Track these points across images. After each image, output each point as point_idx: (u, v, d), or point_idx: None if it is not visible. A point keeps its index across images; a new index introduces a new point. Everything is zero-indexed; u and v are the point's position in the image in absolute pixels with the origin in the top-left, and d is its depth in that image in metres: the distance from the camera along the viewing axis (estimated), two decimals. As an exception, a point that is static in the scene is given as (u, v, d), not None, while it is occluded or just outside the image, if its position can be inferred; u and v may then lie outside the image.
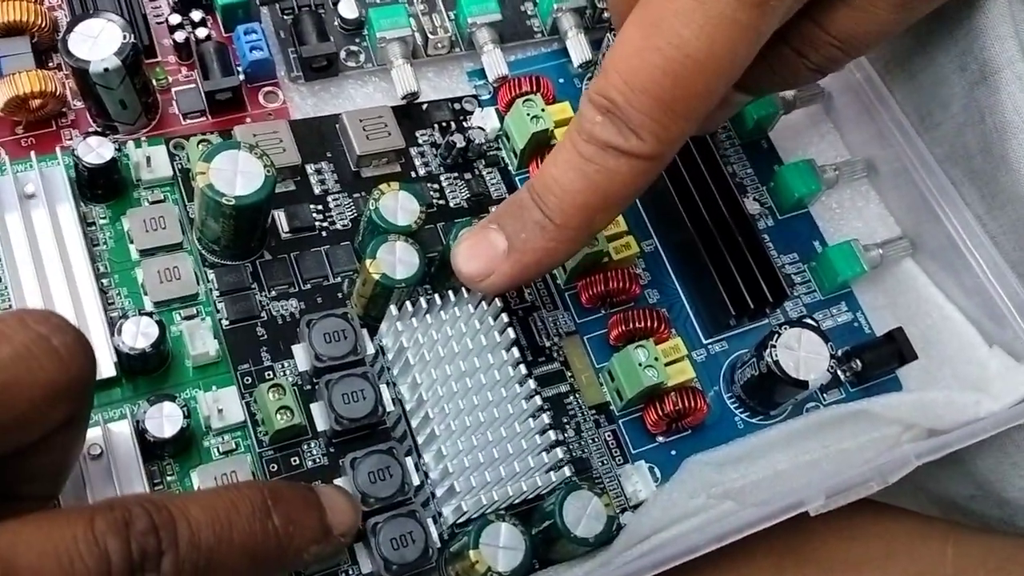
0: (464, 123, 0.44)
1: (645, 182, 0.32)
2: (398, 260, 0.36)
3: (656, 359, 0.39)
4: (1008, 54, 0.39)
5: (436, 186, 0.43)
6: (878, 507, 0.46)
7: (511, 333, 0.36)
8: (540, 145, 0.43)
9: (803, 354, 0.38)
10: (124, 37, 0.36)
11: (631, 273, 0.41)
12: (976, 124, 0.41)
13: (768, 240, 0.45)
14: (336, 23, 0.45)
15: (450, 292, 0.36)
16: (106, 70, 0.36)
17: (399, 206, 0.38)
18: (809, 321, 0.40)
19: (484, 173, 0.44)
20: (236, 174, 0.35)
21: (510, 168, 0.44)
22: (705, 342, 0.42)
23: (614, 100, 0.31)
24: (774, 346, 0.38)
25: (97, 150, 0.36)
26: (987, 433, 0.38)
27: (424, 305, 0.36)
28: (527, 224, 0.33)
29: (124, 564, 0.23)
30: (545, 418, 0.36)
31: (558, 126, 0.43)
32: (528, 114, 0.42)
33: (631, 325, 0.40)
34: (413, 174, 0.43)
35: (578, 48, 0.45)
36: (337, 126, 0.42)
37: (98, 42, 0.36)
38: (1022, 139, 0.39)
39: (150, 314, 0.34)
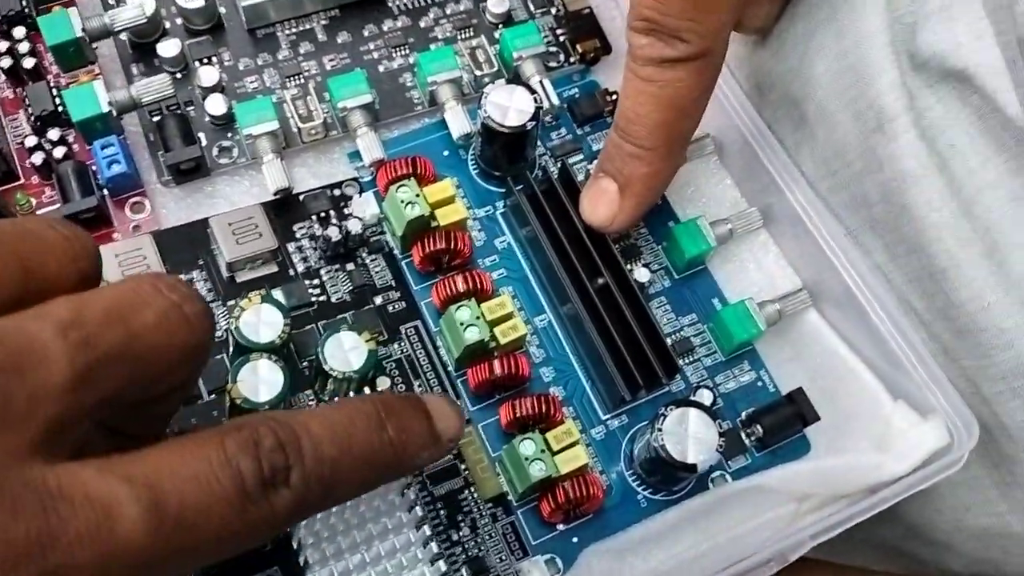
0: (344, 209, 0.43)
1: (709, 79, 0.37)
2: (261, 380, 0.35)
3: (543, 450, 0.38)
4: (902, 101, 0.37)
5: (316, 281, 0.42)
6: (811, 564, 0.45)
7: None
8: (420, 229, 0.42)
9: (691, 436, 0.37)
10: (-38, 177, 0.36)
11: (519, 359, 0.40)
12: (875, 172, 0.39)
13: (666, 302, 0.43)
14: (206, 119, 0.44)
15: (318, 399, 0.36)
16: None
17: (261, 321, 0.37)
18: (703, 396, 0.39)
19: (368, 261, 0.43)
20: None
21: (395, 253, 0.43)
22: (604, 418, 0.41)
23: (650, 18, 0.35)
24: (660, 430, 0.37)
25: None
26: (887, 503, 0.37)
27: (294, 423, 0.35)
28: (625, 160, 0.38)
29: (256, 480, 0.25)
30: (427, 529, 0.35)
31: (437, 207, 0.42)
32: (402, 200, 0.41)
33: (519, 413, 0.39)
34: (291, 271, 0.42)
35: (457, 121, 0.44)
36: (207, 231, 0.41)
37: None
38: (923, 187, 0.38)
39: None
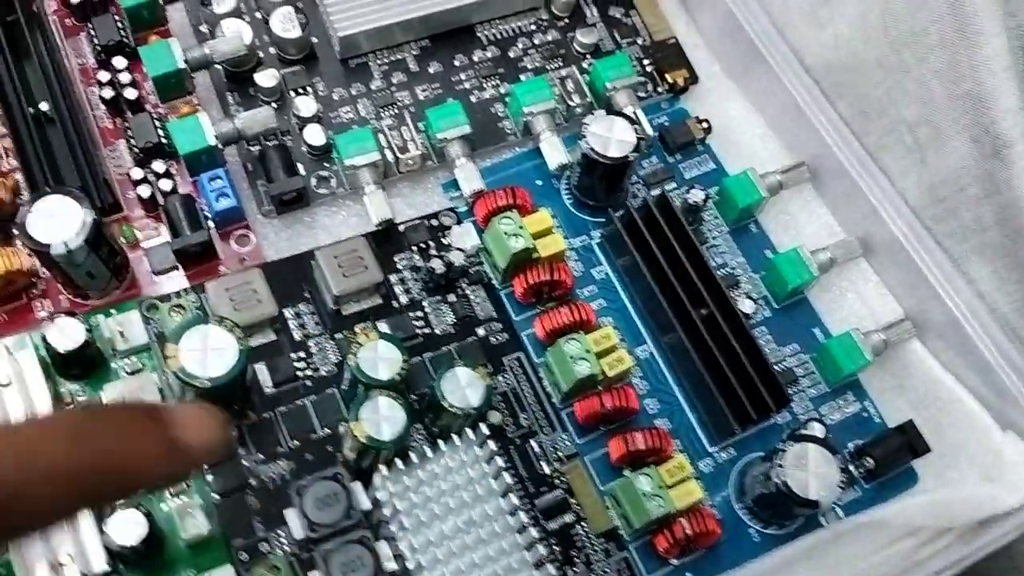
0: (442, 239, 0.43)
1: None
2: (382, 418, 0.35)
3: (660, 486, 0.37)
4: (1020, 127, 0.37)
5: (419, 313, 0.41)
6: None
7: (507, 478, 0.35)
8: (522, 260, 0.41)
9: (812, 471, 0.37)
10: (84, 214, 0.35)
11: (628, 392, 0.40)
12: (991, 196, 0.39)
13: (767, 332, 0.43)
14: (304, 149, 0.44)
15: (440, 441, 0.36)
16: (68, 251, 0.35)
17: (379, 357, 0.36)
18: (815, 429, 0.39)
19: (468, 292, 0.42)
20: (207, 352, 0.34)
21: (494, 283, 0.43)
22: (711, 450, 0.41)
23: None
24: (781, 466, 0.36)
25: (68, 334, 0.35)
26: (1008, 537, 0.36)
27: (415, 459, 0.35)
28: None
29: None
30: (551, 568, 0.35)
31: (537, 238, 0.42)
32: (506, 232, 0.41)
33: (631, 448, 0.38)
34: (395, 303, 0.41)
35: (553, 151, 0.44)
36: (312, 263, 0.41)
37: (57, 221, 0.35)
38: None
39: (137, 504, 0.33)
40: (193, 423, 0.26)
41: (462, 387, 0.36)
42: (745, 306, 0.42)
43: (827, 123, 0.44)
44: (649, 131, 0.45)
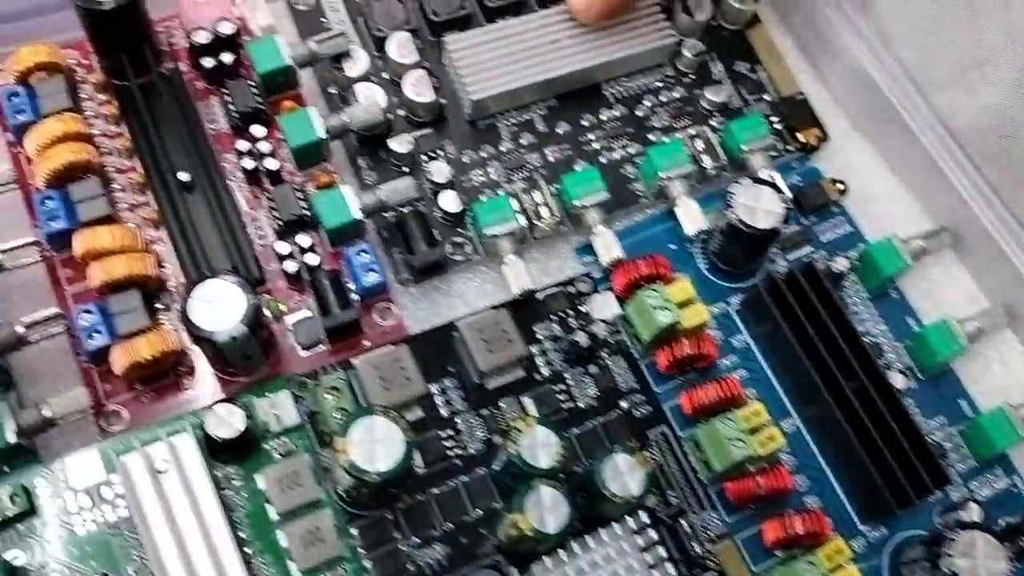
0: (580, 306, 0.42)
1: None
2: (546, 510, 0.34)
3: (823, 574, 0.37)
4: None
5: (562, 386, 0.41)
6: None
7: (670, 569, 0.35)
8: (666, 333, 0.41)
9: (981, 562, 0.36)
10: (246, 300, 0.35)
11: (782, 472, 0.39)
12: None
13: (913, 404, 0.42)
14: (437, 215, 0.43)
15: (599, 529, 0.35)
16: (233, 338, 0.34)
17: (538, 444, 0.36)
18: (973, 512, 0.38)
19: (609, 362, 0.42)
20: (375, 444, 0.33)
21: (634, 354, 0.42)
22: (861, 528, 0.40)
23: None
24: (950, 555, 0.36)
25: (228, 421, 0.35)
26: None
27: (577, 549, 0.35)
28: None
29: None
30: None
31: (679, 307, 0.41)
32: (652, 306, 0.40)
33: (790, 533, 0.38)
34: (537, 376, 0.41)
35: (691, 217, 0.43)
36: (455, 336, 0.40)
37: (218, 306, 0.35)
38: None
39: (303, 595, 0.33)
40: None
41: (622, 474, 0.36)
42: (896, 380, 0.41)
43: (972, 188, 0.43)
44: (788, 194, 0.44)
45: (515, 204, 0.43)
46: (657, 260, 0.42)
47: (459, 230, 0.43)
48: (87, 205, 0.38)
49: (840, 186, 0.46)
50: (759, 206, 0.41)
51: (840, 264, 0.43)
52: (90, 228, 0.37)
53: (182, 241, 0.39)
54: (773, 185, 0.41)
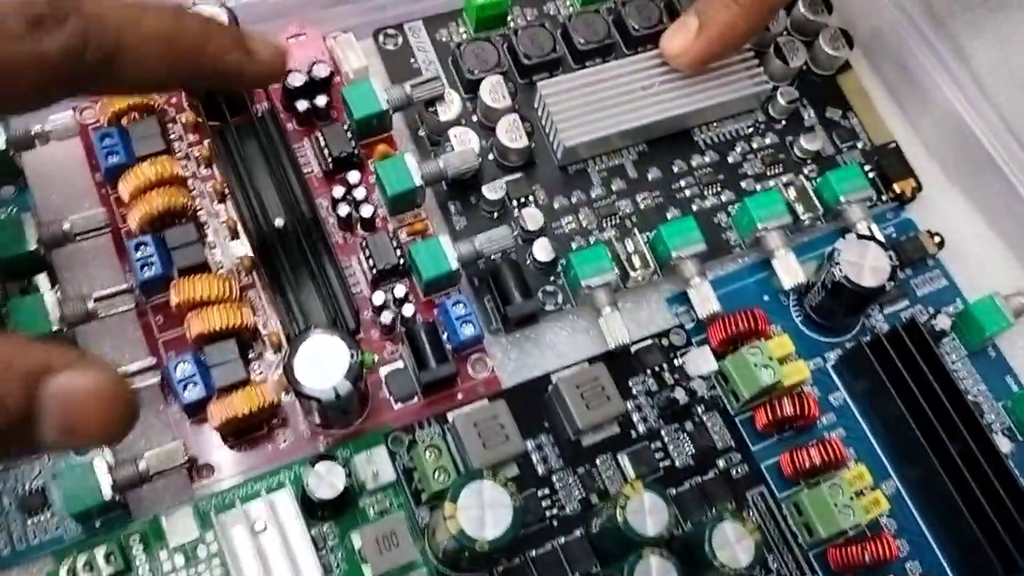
0: (674, 359, 0.41)
1: None
2: (659, 584, 0.33)
3: (935, 648, 0.35)
4: None
5: (658, 444, 0.40)
6: None
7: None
8: (767, 391, 0.40)
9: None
10: (349, 355, 0.34)
11: (887, 540, 0.38)
12: None
13: (1014, 467, 0.41)
14: (528, 262, 0.42)
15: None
16: (338, 395, 0.33)
17: (647, 510, 0.34)
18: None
19: (704, 418, 0.41)
20: (484, 510, 0.32)
21: (730, 410, 0.41)
22: (966, 597, 0.39)
23: None
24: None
25: (328, 479, 0.34)
26: None
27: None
28: (714, 4, 0.41)
29: (18, 15, 0.26)
30: None
31: (780, 363, 0.40)
32: (755, 364, 0.39)
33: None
34: (633, 433, 0.40)
35: (789, 271, 0.42)
36: (551, 390, 0.39)
37: (321, 362, 0.34)
38: None
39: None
40: (262, 40, 0.33)
41: (731, 543, 0.34)
42: (1003, 444, 0.40)
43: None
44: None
45: (607, 250, 0.42)
46: (756, 314, 0.41)
47: (551, 279, 0.42)
48: (182, 252, 0.37)
49: (937, 239, 0.45)
50: (865, 263, 0.40)
51: (942, 322, 0.41)
52: (186, 277, 0.36)
53: (277, 290, 0.38)
54: (878, 241, 0.40)
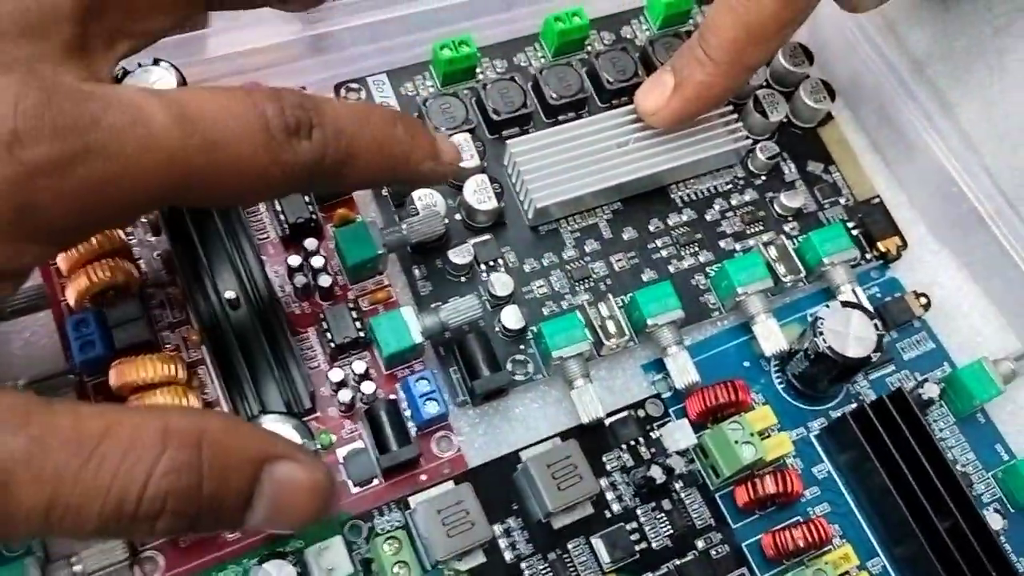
0: (651, 432, 0.39)
1: (792, 13, 0.37)
2: None
3: None
4: None
5: (634, 525, 0.38)
6: None
7: None
8: (749, 467, 0.38)
9: None
10: (303, 444, 0.31)
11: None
12: None
13: (1004, 541, 0.39)
14: (497, 330, 0.40)
15: None
16: (286, 490, 0.31)
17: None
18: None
19: (682, 496, 0.39)
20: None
21: (709, 486, 0.39)
22: None
23: None
24: None
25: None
26: None
27: None
28: (689, 62, 0.39)
29: (279, 123, 0.27)
30: None
31: (761, 435, 0.38)
32: (736, 440, 0.37)
33: None
34: (607, 513, 0.38)
35: (771, 337, 0.40)
36: (520, 470, 0.37)
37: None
38: None
39: None
40: (445, 142, 0.34)
41: (712, 637, 0.33)
42: (994, 521, 0.38)
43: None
44: (871, 312, 0.41)
45: (580, 317, 0.40)
46: (736, 385, 0.39)
47: (520, 347, 0.40)
48: (124, 330, 0.35)
49: (923, 300, 0.43)
50: (850, 332, 0.38)
51: (930, 391, 0.40)
52: (128, 358, 0.34)
53: (227, 367, 0.36)
54: (863, 308, 0.39)
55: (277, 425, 0.32)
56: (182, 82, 0.36)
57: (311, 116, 0.28)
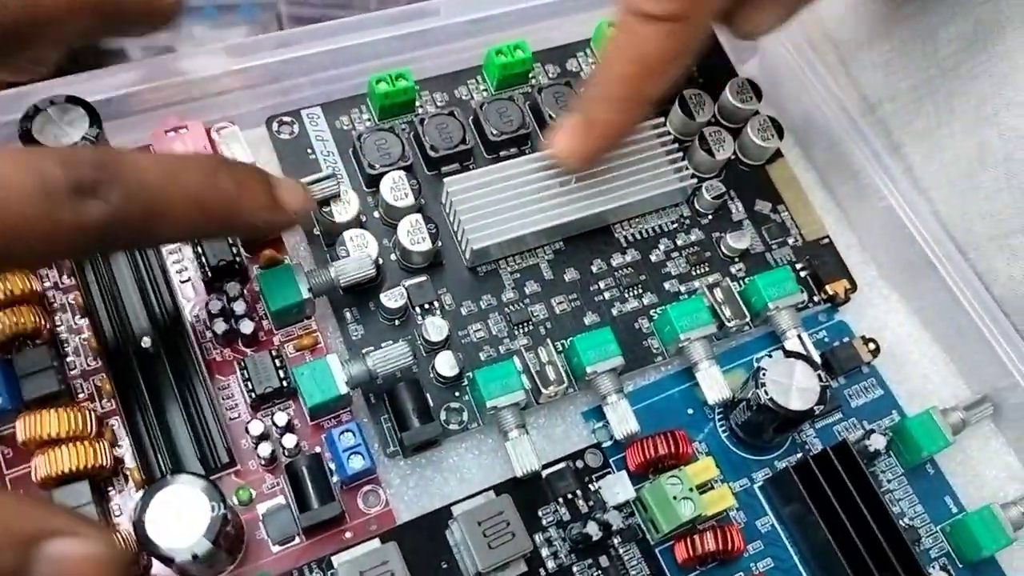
0: (589, 484, 0.38)
1: (681, 45, 0.36)
2: None
3: None
4: None
5: (570, 583, 0.36)
6: None
7: None
8: (690, 526, 0.36)
9: None
10: (212, 508, 0.30)
11: None
12: None
13: (951, 602, 0.38)
14: (431, 376, 0.38)
15: None
16: (195, 556, 0.29)
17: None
18: None
19: (621, 551, 0.37)
20: None
21: (649, 540, 0.38)
22: None
23: None
24: None
25: (188, 650, 0.30)
26: None
27: None
28: (590, 101, 0.38)
29: (59, 184, 0.26)
30: None
31: (701, 490, 0.37)
32: (675, 496, 0.36)
33: None
34: (542, 571, 0.36)
35: (714, 386, 0.39)
36: (451, 526, 0.36)
37: (179, 516, 0.30)
38: None
39: None
40: (291, 189, 0.33)
41: None
42: (939, 578, 0.37)
43: (1018, 358, 0.39)
44: (817, 359, 0.40)
45: (518, 363, 0.39)
46: (677, 436, 0.38)
47: (455, 394, 0.39)
48: (33, 380, 0.33)
49: (872, 346, 0.42)
50: (793, 383, 0.37)
51: (877, 442, 0.39)
52: (34, 411, 0.32)
53: (140, 420, 0.34)
54: (808, 359, 0.38)
55: (183, 488, 0.30)
56: (96, 122, 0.34)
57: (105, 174, 0.27)
